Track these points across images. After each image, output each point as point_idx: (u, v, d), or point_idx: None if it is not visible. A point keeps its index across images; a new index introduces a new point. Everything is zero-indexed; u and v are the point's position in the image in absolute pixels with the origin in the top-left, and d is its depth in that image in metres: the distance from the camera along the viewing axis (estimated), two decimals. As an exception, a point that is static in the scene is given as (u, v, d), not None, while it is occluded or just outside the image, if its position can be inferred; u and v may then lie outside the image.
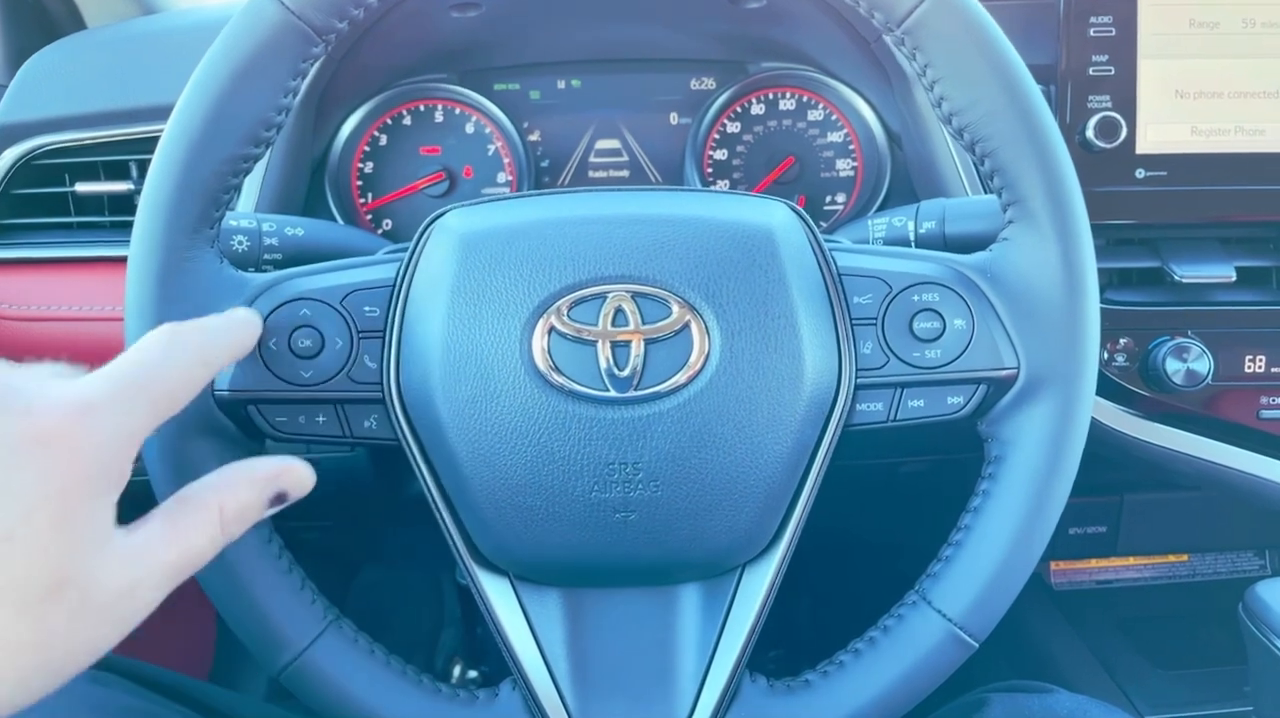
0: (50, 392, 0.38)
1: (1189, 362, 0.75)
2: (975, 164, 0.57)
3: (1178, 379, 0.75)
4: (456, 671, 1.38)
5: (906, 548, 1.13)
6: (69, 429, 0.37)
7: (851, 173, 0.94)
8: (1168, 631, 1.03)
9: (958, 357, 0.55)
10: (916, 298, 0.56)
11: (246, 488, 0.44)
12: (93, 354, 0.80)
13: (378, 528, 1.24)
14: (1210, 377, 0.75)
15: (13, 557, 0.34)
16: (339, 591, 1.36)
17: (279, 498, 0.46)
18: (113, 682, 0.66)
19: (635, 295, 0.52)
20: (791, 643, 1.18)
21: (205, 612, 1.29)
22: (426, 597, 1.43)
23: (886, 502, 1.11)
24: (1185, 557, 1.10)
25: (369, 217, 0.92)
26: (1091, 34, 0.77)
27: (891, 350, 0.55)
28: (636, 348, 0.52)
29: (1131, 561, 1.09)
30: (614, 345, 0.52)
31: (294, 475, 0.46)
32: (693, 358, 0.52)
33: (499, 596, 0.56)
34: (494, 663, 1.37)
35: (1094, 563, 1.09)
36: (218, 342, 0.47)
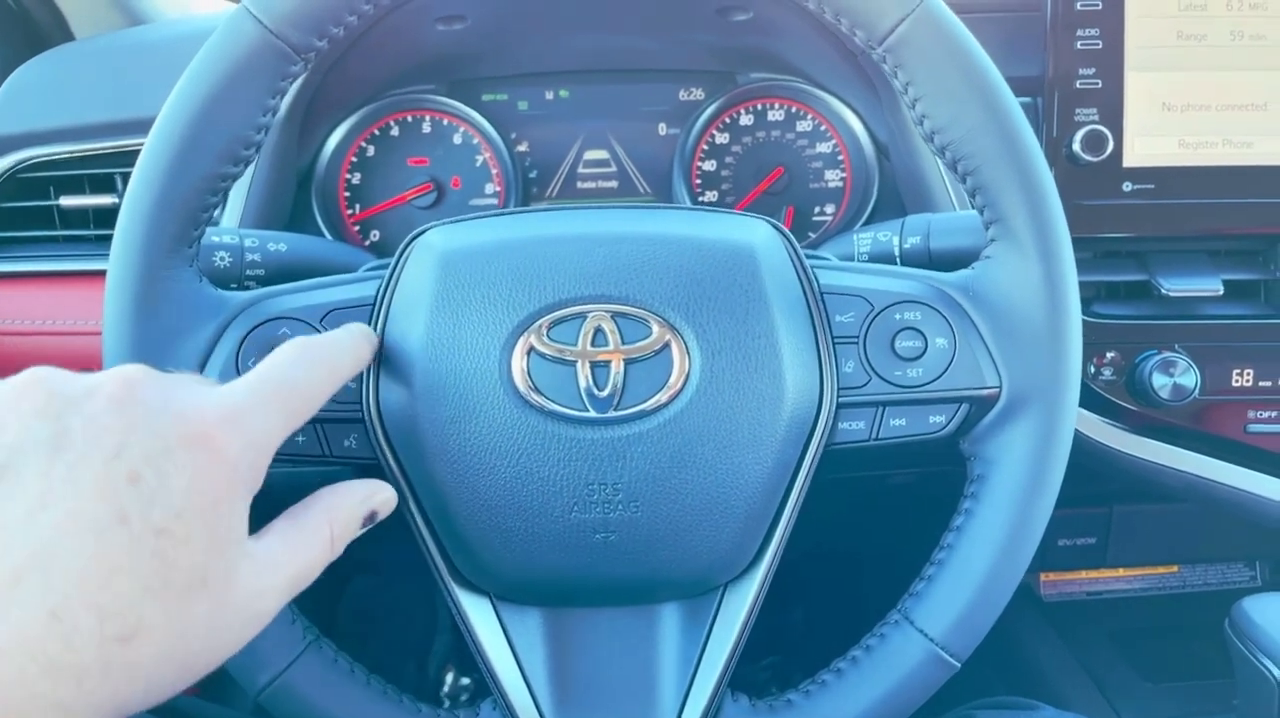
0: (199, 396, 0.39)
1: (1176, 376, 0.75)
2: (958, 181, 0.56)
3: (1164, 393, 0.74)
4: (449, 678, 1.38)
5: (897, 557, 1.13)
6: (217, 432, 0.38)
7: (840, 183, 0.94)
8: (1157, 643, 1.03)
9: (939, 375, 0.55)
10: (898, 316, 0.55)
11: (348, 507, 0.46)
12: (77, 369, 0.81)
13: (368, 537, 1.23)
14: (1197, 391, 0.75)
15: (163, 552, 0.35)
16: (330, 600, 1.36)
17: (370, 517, 0.48)
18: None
19: (615, 315, 0.52)
20: (786, 651, 1.18)
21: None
22: (418, 605, 1.43)
23: (876, 512, 1.11)
24: (1175, 568, 1.09)
25: (356, 228, 0.92)
26: (1078, 46, 0.77)
27: (873, 369, 0.55)
28: (616, 368, 0.51)
29: (1121, 572, 1.09)
30: (594, 365, 0.51)
31: (384, 496, 0.49)
32: (673, 378, 0.52)
33: (479, 615, 0.56)
34: (486, 671, 1.36)
35: (1084, 574, 1.08)
36: (344, 354, 0.48)
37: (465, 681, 1.38)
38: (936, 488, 0.95)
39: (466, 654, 1.42)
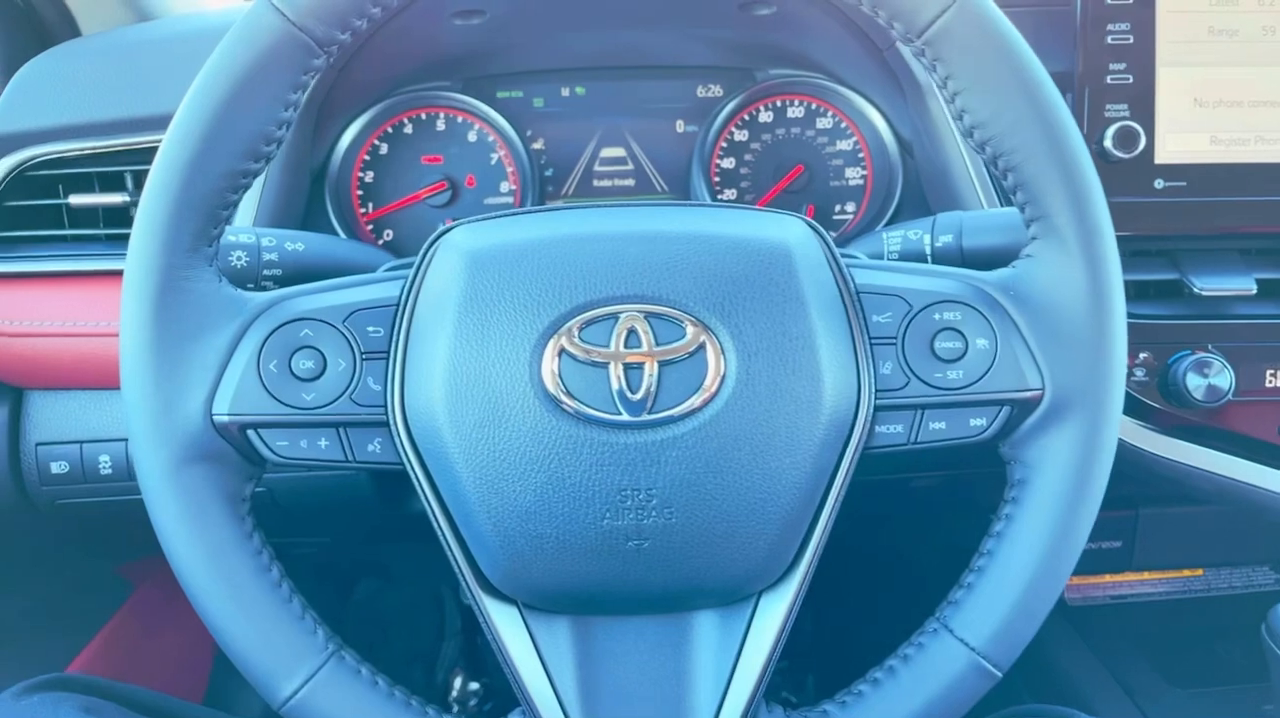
0: None
1: (1210, 377, 0.73)
2: (998, 178, 0.55)
3: (1199, 394, 0.73)
4: (457, 683, 1.37)
5: (917, 563, 1.12)
6: None
7: (861, 182, 0.92)
8: (1184, 647, 1.02)
9: (980, 377, 0.54)
10: (937, 316, 0.54)
11: None
12: (87, 371, 0.79)
13: (376, 544, 1.22)
14: (1231, 392, 0.73)
15: None
16: (338, 604, 1.35)
17: None
18: (106, 710, 0.64)
19: (648, 316, 0.50)
20: (795, 655, 1.17)
21: (200, 630, 1.27)
22: (426, 609, 1.41)
23: (898, 516, 1.09)
24: (1200, 571, 1.08)
25: (370, 227, 0.90)
26: (1109, 41, 0.75)
27: (912, 371, 0.54)
28: (650, 370, 0.50)
29: (1146, 575, 1.07)
30: (626, 367, 0.50)
31: None
32: (708, 380, 0.50)
33: (507, 625, 0.55)
34: (494, 675, 1.35)
35: (1108, 578, 1.07)
36: None
37: (473, 685, 1.37)
38: (959, 493, 0.94)
39: (473, 660, 1.41)
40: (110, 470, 0.80)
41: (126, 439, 0.80)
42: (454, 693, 1.36)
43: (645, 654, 0.55)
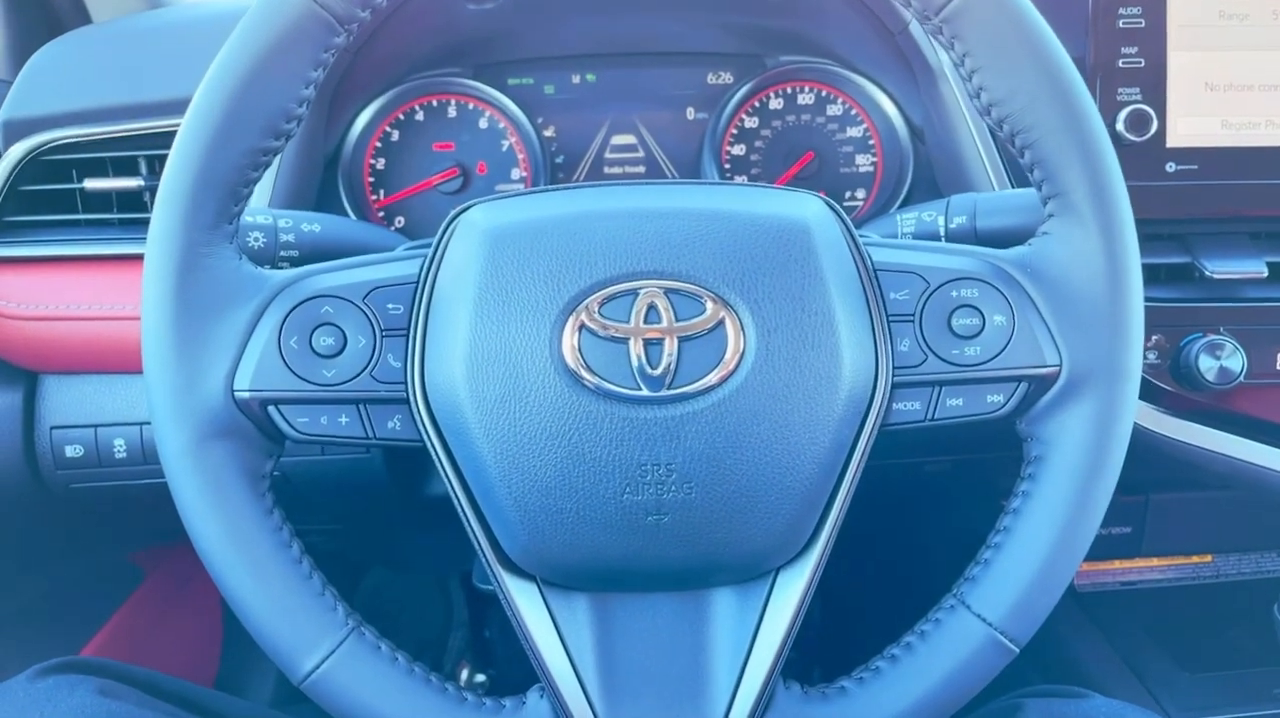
0: None
1: (1222, 359, 0.73)
2: (1014, 156, 0.55)
3: (1211, 377, 0.73)
4: (464, 674, 1.37)
5: (927, 554, 1.12)
6: None
7: (871, 168, 0.93)
8: (1194, 632, 1.02)
9: (998, 354, 0.54)
10: (955, 294, 0.54)
11: None
12: (102, 354, 0.79)
13: (387, 531, 1.22)
14: (1243, 374, 0.74)
15: None
16: (346, 594, 1.35)
17: None
18: (121, 692, 0.64)
19: (668, 292, 0.51)
20: (800, 645, 1.17)
21: (211, 616, 1.28)
22: (434, 600, 1.42)
23: (909, 504, 1.09)
24: (1209, 557, 1.08)
25: (381, 214, 0.91)
26: (1120, 25, 0.75)
27: (930, 348, 0.54)
28: (669, 346, 0.50)
29: (1155, 561, 1.07)
30: (646, 343, 0.50)
31: None
32: (727, 356, 0.50)
33: (526, 601, 0.55)
34: (501, 667, 1.35)
35: (1117, 564, 1.07)
36: None
37: (480, 677, 1.37)
38: (971, 478, 0.94)
39: (481, 650, 1.41)
40: (125, 454, 0.80)
41: (141, 423, 0.81)
42: (461, 684, 1.36)
43: (663, 631, 0.55)
